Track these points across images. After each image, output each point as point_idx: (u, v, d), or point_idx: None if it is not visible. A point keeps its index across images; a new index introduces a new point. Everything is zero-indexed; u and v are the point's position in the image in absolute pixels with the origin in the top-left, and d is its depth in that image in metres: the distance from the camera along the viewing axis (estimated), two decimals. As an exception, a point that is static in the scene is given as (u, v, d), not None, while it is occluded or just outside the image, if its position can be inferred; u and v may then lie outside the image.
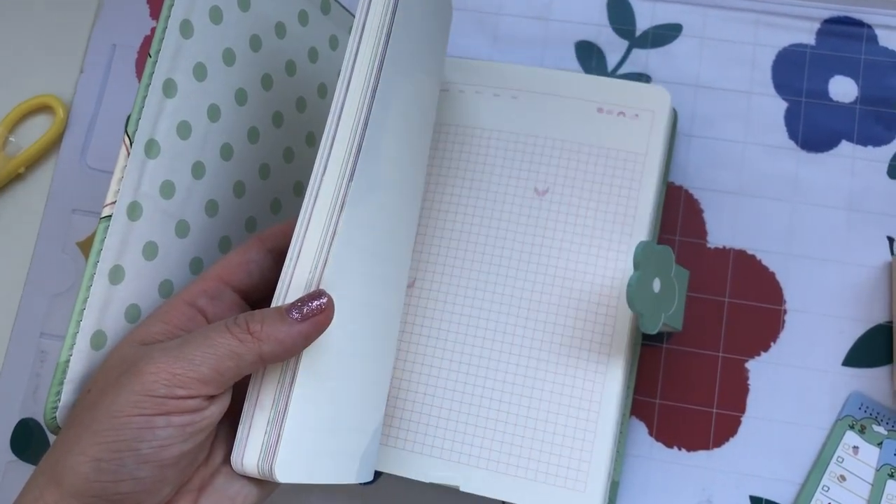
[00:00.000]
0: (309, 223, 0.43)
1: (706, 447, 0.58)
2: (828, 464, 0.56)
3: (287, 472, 0.42)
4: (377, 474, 0.59)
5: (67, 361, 0.41)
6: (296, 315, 0.41)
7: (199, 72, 0.46)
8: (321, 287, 0.43)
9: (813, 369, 0.58)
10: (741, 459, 0.57)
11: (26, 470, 0.62)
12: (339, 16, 0.57)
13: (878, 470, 0.55)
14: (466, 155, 0.58)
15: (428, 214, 0.57)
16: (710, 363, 0.59)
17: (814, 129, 0.62)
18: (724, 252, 0.60)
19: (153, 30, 0.69)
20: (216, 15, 0.46)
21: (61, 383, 0.41)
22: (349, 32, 0.57)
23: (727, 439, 0.58)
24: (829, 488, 0.55)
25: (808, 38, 0.63)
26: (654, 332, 0.51)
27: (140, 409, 0.38)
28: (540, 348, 0.53)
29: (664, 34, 0.65)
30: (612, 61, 0.65)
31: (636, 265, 0.49)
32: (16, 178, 0.68)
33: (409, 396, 0.54)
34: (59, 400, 0.41)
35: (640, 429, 0.58)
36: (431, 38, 0.52)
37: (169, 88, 0.44)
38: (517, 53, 0.66)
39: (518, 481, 0.52)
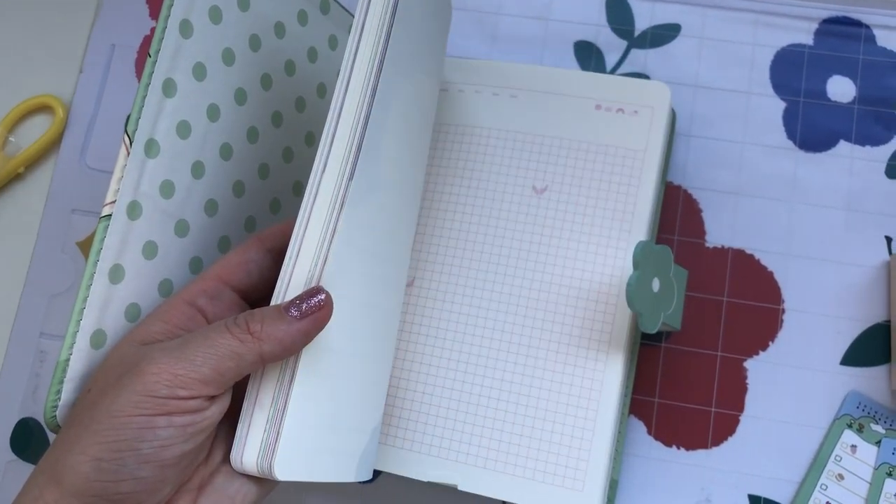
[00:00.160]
0: (308, 222, 0.44)
1: (705, 446, 0.58)
2: (826, 462, 0.56)
3: (286, 469, 0.43)
4: (376, 473, 0.59)
5: (67, 360, 0.42)
6: (294, 313, 0.41)
7: (199, 71, 0.46)
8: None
9: (811, 368, 0.58)
10: (740, 458, 0.57)
11: (26, 469, 0.62)
12: (339, 15, 0.57)
13: (876, 468, 0.55)
14: (465, 154, 0.58)
15: (427, 214, 0.57)
16: (709, 362, 0.59)
17: (812, 129, 0.62)
18: (722, 252, 0.61)
19: (153, 30, 0.69)
20: (216, 15, 0.46)
21: (61, 382, 0.41)
22: (348, 32, 0.57)
23: (726, 438, 0.58)
24: (827, 487, 0.56)
25: (807, 39, 0.63)
26: (654, 331, 0.51)
27: (141, 409, 0.38)
28: (538, 346, 0.54)
29: (663, 34, 0.65)
30: (610, 61, 0.65)
31: (635, 265, 0.49)
32: (15, 177, 0.68)
33: (408, 395, 0.54)
34: (58, 399, 0.41)
35: (638, 428, 0.59)
36: (431, 38, 0.52)
37: (168, 88, 0.44)
38: (516, 53, 0.66)
39: (517, 480, 0.52)
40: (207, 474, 0.43)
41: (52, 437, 0.63)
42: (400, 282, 0.52)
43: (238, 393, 0.43)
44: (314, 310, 0.42)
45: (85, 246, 0.66)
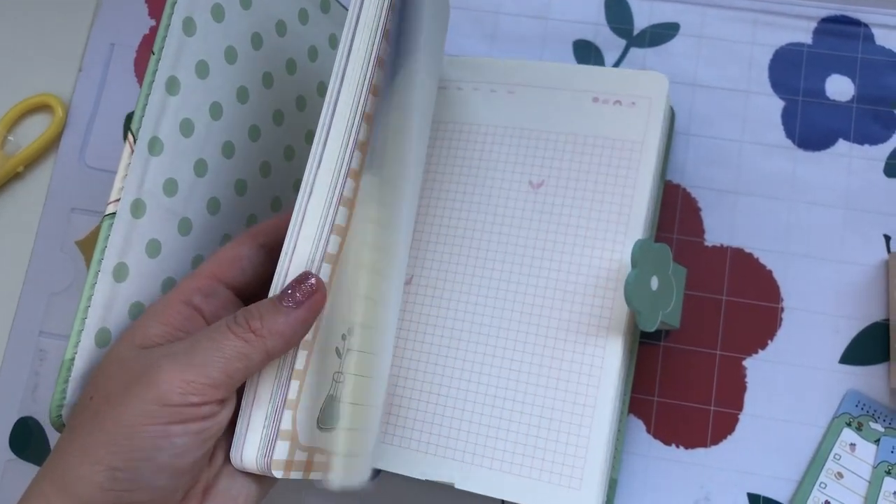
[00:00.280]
0: (304, 217, 0.43)
1: (704, 445, 0.58)
2: (825, 461, 0.56)
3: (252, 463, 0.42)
4: (374, 472, 0.59)
5: (73, 359, 0.41)
6: (290, 303, 0.41)
7: (202, 69, 0.46)
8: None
9: (810, 367, 0.58)
10: (739, 457, 0.57)
11: (25, 469, 0.62)
12: (339, 14, 0.57)
13: (875, 467, 0.56)
14: (463, 151, 0.58)
15: (425, 211, 0.57)
16: (708, 361, 0.59)
17: (811, 127, 0.62)
18: (721, 250, 0.61)
19: (152, 29, 0.69)
20: (218, 13, 0.46)
21: (66, 381, 0.41)
22: None
23: (725, 437, 0.58)
24: (826, 485, 0.56)
25: (805, 38, 0.63)
26: (652, 329, 0.51)
27: (155, 418, 0.38)
28: (536, 344, 0.53)
29: (662, 33, 0.65)
30: (609, 60, 0.65)
31: (634, 263, 0.49)
32: (15, 176, 0.68)
33: (406, 393, 0.54)
34: (64, 398, 0.41)
35: (638, 426, 0.59)
36: (430, 36, 0.52)
37: (172, 86, 0.44)
38: (515, 52, 0.66)
39: (515, 479, 0.52)
40: (211, 477, 0.43)
41: (51, 436, 0.63)
42: (399, 277, 0.52)
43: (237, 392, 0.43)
44: (309, 295, 0.42)
45: (84, 245, 0.66)
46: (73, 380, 0.41)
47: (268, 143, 0.52)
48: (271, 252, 0.45)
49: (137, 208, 0.43)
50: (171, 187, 0.45)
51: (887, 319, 0.58)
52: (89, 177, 0.67)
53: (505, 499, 0.52)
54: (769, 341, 0.59)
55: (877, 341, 0.58)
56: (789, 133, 0.62)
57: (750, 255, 0.60)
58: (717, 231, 0.61)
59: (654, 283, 0.51)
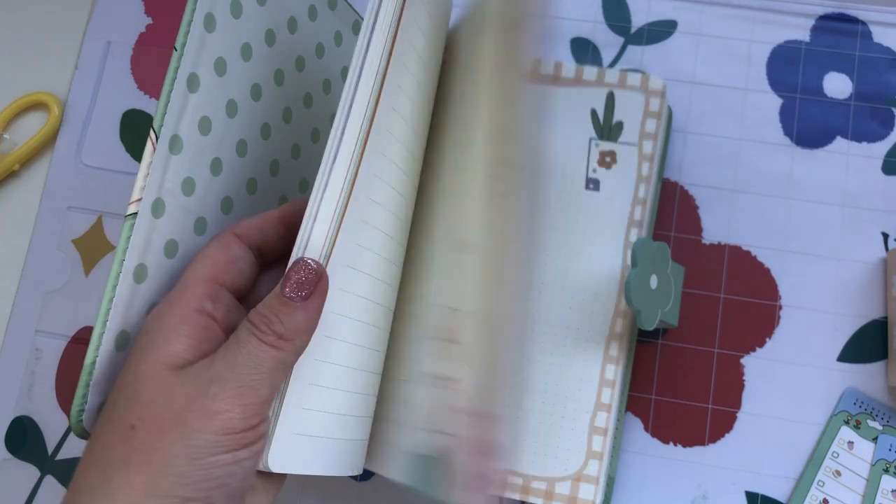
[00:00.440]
0: (318, 210, 0.43)
1: (702, 443, 0.58)
2: (823, 459, 0.56)
3: (279, 462, 0.42)
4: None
5: (94, 363, 0.40)
6: (300, 296, 0.41)
7: (220, 66, 0.45)
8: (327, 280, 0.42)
9: (808, 365, 0.58)
10: (737, 455, 0.57)
11: (21, 468, 0.62)
12: (344, 11, 0.57)
13: (873, 465, 0.56)
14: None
15: (425, 208, 0.57)
16: (706, 359, 0.59)
17: (808, 125, 0.62)
18: (719, 248, 0.61)
19: (148, 27, 0.69)
20: (237, 8, 0.46)
21: (87, 386, 0.40)
22: (352, 28, 0.57)
23: (723, 435, 0.58)
24: (824, 483, 0.56)
25: (803, 35, 0.63)
26: (652, 328, 0.51)
27: (223, 447, 0.37)
28: (535, 342, 0.53)
29: (659, 31, 0.65)
30: (607, 58, 0.65)
31: (634, 262, 0.49)
32: (10, 175, 0.68)
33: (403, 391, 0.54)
34: (85, 402, 0.40)
35: (636, 424, 0.59)
36: (432, 34, 0.52)
37: (192, 83, 0.44)
38: (512, 50, 0.66)
39: (514, 477, 0.52)
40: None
41: (48, 435, 0.62)
42: (396, 272, 0.52)
43: None
44: (314, 282, 0.41)
45: (81, 244, 0.65)
46: (93, 384, 0.41)
47: (277, 141, 0.52)
48: (257, 253, 0.44)
49: (158, 208, 0.43)
50: (189, 186, 0.44)
51: (885, 317, 0.58)
52: (85, 175, 0.67)
53: (504, 495, 0.52)
54: (767, 339, 0.59)
55: (875, 339, 0.58)
56: (787, 131, 0.62)
57: (748, 252, 0.60)
58: (715, 229, 0.61)
59: (654, 281, 0.51)
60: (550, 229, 0.55)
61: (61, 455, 0.62)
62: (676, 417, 0.58)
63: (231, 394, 0.38)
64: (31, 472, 0.62)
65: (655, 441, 0.58)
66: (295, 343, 0.40)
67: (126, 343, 0.42)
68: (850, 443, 0.56)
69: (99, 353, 0.41)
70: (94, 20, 0.70)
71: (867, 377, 0.58)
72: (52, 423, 0.63)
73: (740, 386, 0.58)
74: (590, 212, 0.55)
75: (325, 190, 0.43)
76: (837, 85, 0.62)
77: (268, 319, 0.40)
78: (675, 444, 0.58)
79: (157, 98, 0.68)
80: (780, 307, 0.59)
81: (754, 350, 0.59)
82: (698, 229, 0.61)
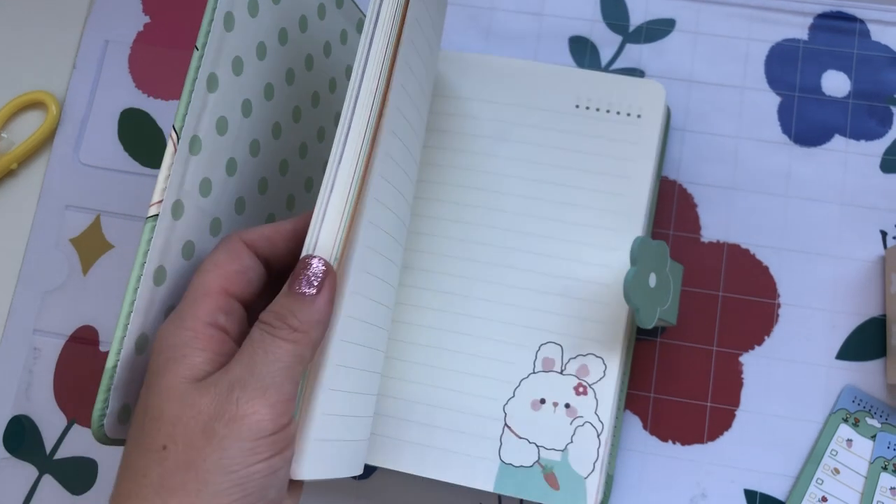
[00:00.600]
0: (326, 210, 0.42)
1: (700, 441, 0.58)
2: (822, 457, 0.56)
3: (308, 469, 0.42)
4: (371, 469, 0.59)
5: (115, 367, 0.40)
6: (311, 289, 0.40)
7: (237, 66, 0.45)
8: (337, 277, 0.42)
9: (806, 363, 0.58)
10: (735, 453, 0.57)
11: (19, 467, 0.62)
12: (350, 10, 0.56)
13: (871, 463, 0.56)
14: (461, 149, 0.58)
15: (425, 207, 0.57)
16: (704, 357, 0.59)
17: (807, 123, 0.62)
18: (717, 246, 0.61)
19: (146, 25, 0.69)
20: (254, 7, 0.45)
21: (109, 390, 0.40)
22: (356, 27, 0.57)
23: (721, 433, 0.58)
24: (823, 481, 0.56)
25: (801, 33, 0.63)
26: (650, 326, 0.51)
27: (258, 455, 0.37)
28: (531, 339, 0.53)
29: (657, 29, 0.65)
30: (605, 56, 0.65)
31: (633, 260, 0.49)
32: (8, 174, 0.68)
33: (406, 387, 0.54)
34: (106, 407, 0.40)
35: (634, 423, 0.59)
36: (429, 32, 0.52)
37: (212, 83, 0.43)
38: (511, 49, 0.66)
39: (514, 474, 0.52)
40: None
41: (46, 434, 0.62)
42: (398, 273, 0.52)
43: None
44: (324, 275, 0.40)
45: (79, 243, 0.65)
46: (114, 388, 0.40)
47: (287, 141, 0.51)
48: (266, 263, 0.44)
49: (177, 210, 0.42)
50: (206, 187, 0.44)
51: (884, 315, 0.58)
52: (83, 174, 0.67)
53: (505, 494, 0.52)
54: (766, 337, 0.59)
55: (873, 337, 0.58)
56: (785, 129, 0.62)
57: (746, 251, 0.60)
58: (714, 227, 0.61)
59: (653, 280, 0.51)
60: (549, 229, 0.55)
61: (59, 454, 0.62)
62: (675, 415, 0.58)
63: (254, 395, 0.37)
64: (30, 471, 0.62)
65: (654, 439, 0.58)
66: (310, 335, 0.40)
67: (145, 345, 0.42)
68: (849, 440, 0.56)
69: (120, 357, 0.40)
70: (92, 19, 0.70)
71: (866, 375, 0.58)
72: (51, 423, 0.63)
73: (739, 384, 0.58)
74: (588, 210, 0.55)
75: (331, 192, 0.42)
76: (836, 83, 0.62)
77: (281, 315, 0.39)
78: (674, 443, 0.58)
79: (156, 97, 0.68)
80: (779, 305, 0.59)
81: (753, 348, 0.59)
82: (697, 228, 0.61)
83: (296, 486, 0.43)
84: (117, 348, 0.40)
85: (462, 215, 0.56)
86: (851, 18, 0.63)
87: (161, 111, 0.68)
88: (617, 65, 0.64)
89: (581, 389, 0.53)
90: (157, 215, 0.41)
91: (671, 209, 0.61)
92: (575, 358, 0.53)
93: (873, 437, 0.56)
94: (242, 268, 0.42)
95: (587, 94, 0.57)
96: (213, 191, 0.45)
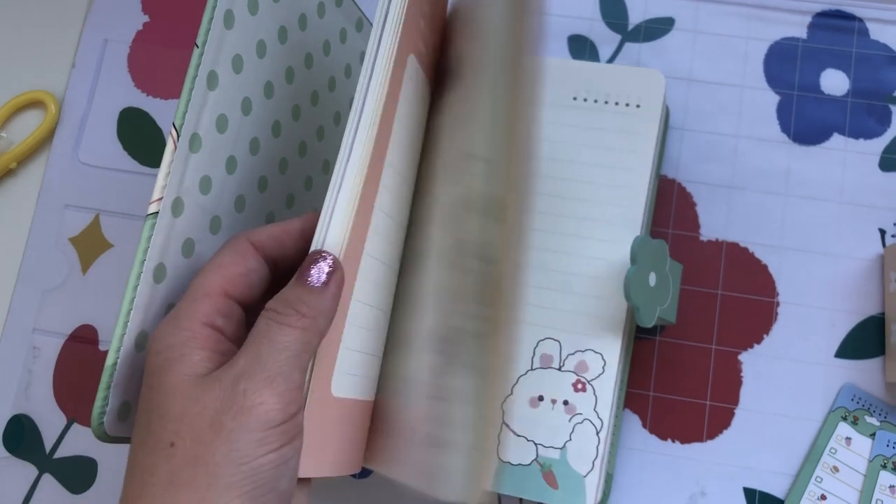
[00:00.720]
0: (333, 211, 0.43)
1: (700, 439, 0.58)
2: (821, 455, 0.56)
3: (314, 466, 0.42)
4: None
5: (115, 365, 0.40)
6: (319, 280, 0.40)
7: (237, 64, 0.45)
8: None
9: (806, 361, 0.58)
10: (735, 451, 0.57)
11: (19, 466, 0.62)
12: (349, 9, 0.57)
13: (870, 461, 0.56)
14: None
15: (424, 202, 0.57)
16: (704, 356, 0.59)
17: (806, 122, 0.62)
18: (716, 245, 0.61)
19: (146, 24, 0.69)
20: (253, 5, 0.46)
21: (108, 388, 0.40)
22: (356, 26, 0.57)
23: (721, 431, 0.58)
24: (822, 479, 0.56)
25: (800, 32, 0.63)
26: (650, 325, 0.51)
27: (268, 445, 0.36)
28: (531, 337, 0.54)
29: (656, 28, 0.65)
30: (604, 55, 0.65)
31: (633, 259, 0.49)
32: (8, 173, 0.68)
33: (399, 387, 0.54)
34: (106, 405, 0.40)
35: (634, 421, 0.59)
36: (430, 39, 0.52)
37: (212, 81, 0.43)
38: (510, 47, 0.66)
39: (513, 472, 0.52)
40: None
41: (45, 433, 0.62)
42: (398, 259, 0.53)
43: None
44: (332, 269, 0.40)
45: (79, 242, 0.65)
46: (114, 386, 0.40)
47: (286, 139, 0.52)
48: (272, 265, 0.43)
49: (177, 207, 0.42)
50: (206, 185, 0.44)
51: (883, 313, 0.58)
52: (83, 173, 0.67)
53: (503, 492, 0.52)
54: (765, 336, 0.59)
55: (872, 335, 0.58)
56: (784, 127, 0.62)
57: (745, 249, 0.60)
58: (713, 226, 0.61)
59: (652, 278, 0.51)
60: (549, 228, 0.55)
61: (59, 453, 0.62)
62: (674, 414, 0.58)
63: (261, 385, 0.37)
64: (29, 470, 0.62)
65: (654, 438, 0.58)
66: (318, 323, 0.39)
67: (145, 342, 0.42)
68: (848, 439, 0.56)
69: (120, 354, 0.40)
70: (91, 18, 0.70)
71: (865, 373, 0.58)
72: (50, 422, 0.63)
73: (738, 382, 0.58)
74: (587, 209, 0.55)
75: (339, 190, 0.42)
76: (834, 82, 0.62)
77: (289, 301, 0.39)
78: (674, 441, 0.58)
79: (155, 96, 0.68)
80: (778, 304, 0.59)
81: (752, 346, 0.59)
82: (696, 226, 0.61)
83: (305, 480, 0.42)
84: (117, 346, 0.40)
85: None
86: (850, 17, 0.63)
87: (160, 110, 0.68)
88: (616, 63, 0.65)
89: (580, 386, 0.53)
90: (158, 213, 0.41)
91: (670, 208, 0.61)
92: (573, 354, 0.53)
93: (872, 436, 0.56)
94: (246, 270, 0.42)
95: (585, 85, 0.57)
96: (214, 189, 0.45)
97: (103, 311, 0.64)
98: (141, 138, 0.67)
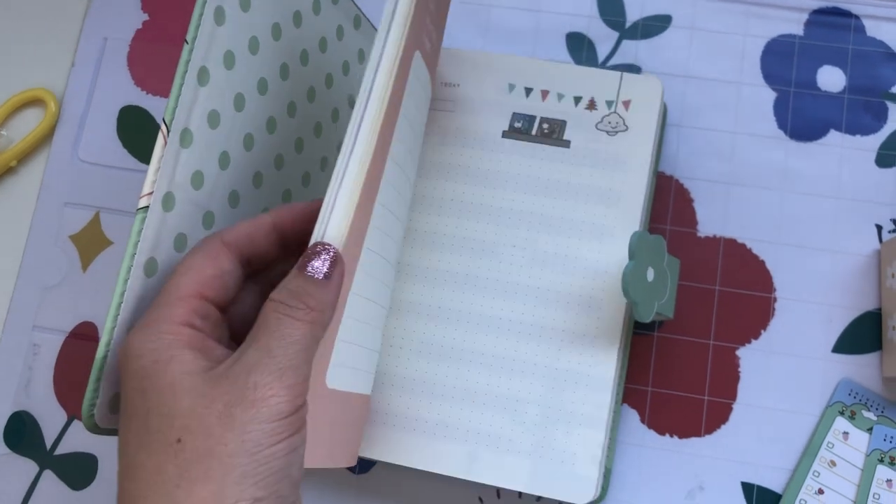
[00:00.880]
0: (335, 204, 0.43)
1: (698, 434, 0.58)
2: (818, 450, 0.56)
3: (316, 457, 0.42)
4: (371, 463, 0.59)
5: (105, 357, 0.40)
6: (321, 273, 0.40)
7: (229, 60, 0.45)
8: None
9: (803, 356, 0.58)
10: (733, 446, 0.58)
11: (20, 463, 0.62)
12: (346, 6, 0.57)
13: (868, 455, 0.56)
14: (459, 143, 0.58)
15: (423, 199, 0.57)
16: (701, 351, 0.59)
17: (802, 118, 0.62)
18: (714, 241, 0.61)
19: (145, 23, 0.69)
20: (245, 2, 0.46)
21: (99, 380, 0.40)
22: (353, 23, 0.57)
23: (719, 426, 0.58)
24: (819, 474, 0.56)
25: (797, 29, 0.64)
26: (648, 320, 0.52)
27: (279, 435, 0.37)
28: (532, 335, 0.54)
29: (654, 25, 0.65)
30: (602, 52, 0.65)
31: (631, 254, 0.50)
32: (8, 171, 0.68)
33: (404, 384, 0.54)
34: (97, 397, 0.40)
35: (632, 416, 0.59)
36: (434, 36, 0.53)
37: (203, 76, 0.43)
38: (508, 45, 0.66)
39: (512, 469, 0.52)
40: None
41: (45, 430, 0.63)
42: (399, 252, 0.53)
43: None
44: (334, 262, 0.41)
45: (78, 239, 0.66)
46: (105, 378, 0.40)
47: (282, 136, 0.52)
48: (245, 266, 0.43)
49: (168, 202, 0.43)
50: (198, 180, 0.44)
51: (879, 308, 0.59)
52: (83, 171, 0.67)
53: (502, 487, 0.52)
54: (762, 331, 0.59)
55: (869, 330, 0.58)
56: (781, 124, 0.62)
57: (743, 245, 0.61)
58: (710, 222, 0.61)
59: (650, 274, 0.52)
60: (548, 225, 0.56)
61: (60, 450, 0.62)
62: (672, 409, 0.59)
63: (273, 379, 0.37)
64: (30, 466, 0.62)
65: (652, 433, 0.59)
66: (324, 316, 0.40)
67: None
68: (846, 433, 0.57)
69: (110, 347, 0.41)
70: (91, 16, 0.70)
71: (862, 368, 0.58)
72: (51, 418, 0.63)
73: (736, 377, 0.59)
74: (586, 205, 0.56)
75: (341, 183, 0.43)
76: (831, 78, 0.63)
77: (296, 293, 0.39)
78: (672, 436, 0.58)
79: (154, 94, 0.68)
80: (775, 299, 0.60)
81: (750, 342, 0.59)
82: (693, 222, 0.61)
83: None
84: (107, 339, 0.40)
85: (458, 209, 0.56)
86: (847, 14, 0.63)
87: (160, 108, 0.68)
88: (614, 61, 0.65)
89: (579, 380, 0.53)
90: (148, 207, 0.41)
91: (668, 204, 0.62)
92: (573, 351, 0.53)
93: (869, 430, 0.56)
94: (220, 272, 0.42)
95: (585, 90, 0.58)
96: (206, 184, 0.45)
97: (103, 309, 0.64)
98: (141, 136, 0.67)
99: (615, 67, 0.64)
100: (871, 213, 0.60)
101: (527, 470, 0.52)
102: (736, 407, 0.58)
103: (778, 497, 0.57)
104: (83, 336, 0.64)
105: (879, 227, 0.60)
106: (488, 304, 0.55)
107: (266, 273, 0.44)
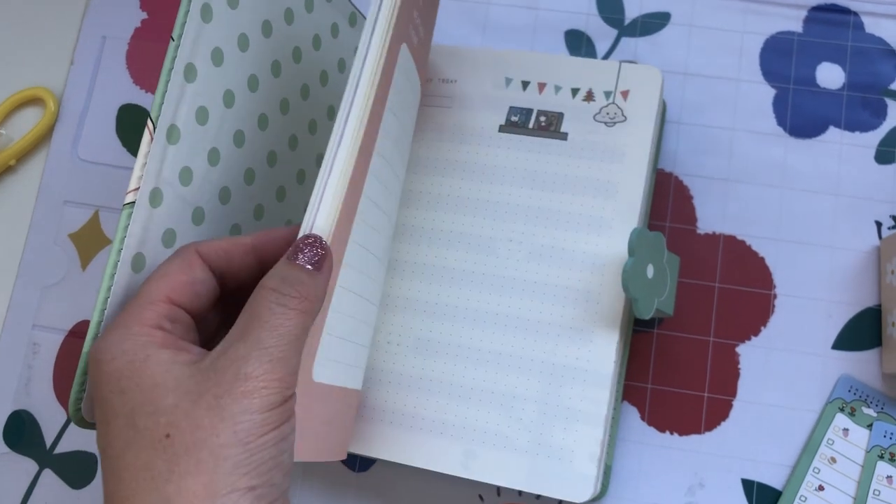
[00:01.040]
0: (323, 196, 0.43)
1: (698, 431, 0.58)
2: (818, 446, 0.56)
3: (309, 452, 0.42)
4: (370, 461, 0.59)
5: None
6: (312, 262, 0.40)
7: (217, 57, 0.45)
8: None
9: (803, 353, 0.58)
10: (733, 443, 0.58)
11: (19, 462, 0.62)
12: (341, 4, 0.57)
13: (868, 451, 0.56)
14: (458, 140, 0.58)
15: (420, 195, 0.57)
16: (701, 348, 0.59)
17: (802, 115, 0.62)
18: (713, 238, 0.61)
19: (144, 21, 0.69)
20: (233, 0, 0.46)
21: (85, 374, 0.40)
22: (349, 20, 0.57)
23: (719, 423, 0.58)
24: (819, 470, 0.56)
25: (796, 26, 0.64)
26: (648, 317, 0.52)
27: (269, 424, 0.37)
28: (532, 332, 0.54)
29: (652, 22, 0.65)
30: (601, 50, 0.65)
31: (631, 251, 0.49)
32: (7, 170, 0.68)
33: (401, 381, 0.54)
34: (83, 391, 0.40)
35: (632, 413, 0.59)
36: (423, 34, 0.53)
37: (189, 73, 0.44)
38: (506, 42, 0.66)
39: (511, 466, 0.52)
40: None
41: (45, 429, 0.63)
42: (388, 246, 0.53)
43: None
44: (324, 253, 0.41)
45: (78, 238, 0.66)
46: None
47: (274, 133, 0.52)
48: (219, 278, 0.43)
49: (155, 197, 0.43)
50: (186, 176, 0.45)
51: (879, 305, 0.59)
52: (82, 170, 0.67)
53: (502, 485, 0.52)
54: (762, 328, 0.59)
55: (869, 327, 0.58)
56: (780, 121, 0.62)
57: (742, 242, 0.61)
58: (710, 218, 0.61)
59: (650, 271, 0.52)
60: (547, 221, 0.55)
61: (59, 449, 0.62)
62: (672, 406, 0.59)
63: (264, 370, 0.37)
64: (30, 465, 0.62)
65: (652, 430, 0.59)
66: (315, 306, 0.40)
67: None
68: (845, 430, 0.57)
69: None
70: (90, 15, 0.70)
71: (861, 364, 0.58)
72: (50, 417, 0.63)
73: (736, 374, 0.59)
74: (585, 202, 0.56)
75: (328, 176, 0.43)
76: (830, 75, 0.63)
77: (289, 281, 0.39)
78: (672, 433, 0.58)
79: (154, 92, 0.68)
80: (775, 296, 0.60)
81: (749, 338, 0.59)
82: (693, 219, 0.61)
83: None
84: (93, 333, 0.40)
85: (455, 205, 0.56)
86: (845, 11, 0.63)
87: (159, 107, 0.68)
88: (612, 58, 0.65)
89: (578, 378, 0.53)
90: (134, 202, 0.41)
91: (667, 201, 0.62)
92: (570, 346, 0.53)
93: (869, 426, 0.56)
94: (191, 280, 0.41)
95: (582, 81, 0.58)
96: (195, 180, 0.45)
97: (103, 307, 0.64)
98: (140, 134, 0.67)
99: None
100: (871, 209, 0.60)
101: (524, 468, 0.52)
102: (736, 404, 0.58)
103: (778, 494, 0.57)
104: (83, 335, 0.64)
105: (879, 224, 0.60)
106: (485, 300, 0.55)
107: (242, 295, 0.43)
